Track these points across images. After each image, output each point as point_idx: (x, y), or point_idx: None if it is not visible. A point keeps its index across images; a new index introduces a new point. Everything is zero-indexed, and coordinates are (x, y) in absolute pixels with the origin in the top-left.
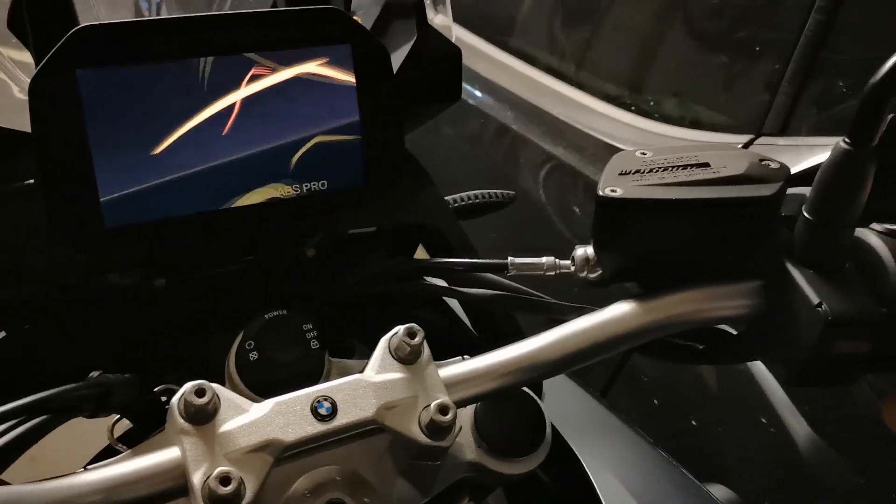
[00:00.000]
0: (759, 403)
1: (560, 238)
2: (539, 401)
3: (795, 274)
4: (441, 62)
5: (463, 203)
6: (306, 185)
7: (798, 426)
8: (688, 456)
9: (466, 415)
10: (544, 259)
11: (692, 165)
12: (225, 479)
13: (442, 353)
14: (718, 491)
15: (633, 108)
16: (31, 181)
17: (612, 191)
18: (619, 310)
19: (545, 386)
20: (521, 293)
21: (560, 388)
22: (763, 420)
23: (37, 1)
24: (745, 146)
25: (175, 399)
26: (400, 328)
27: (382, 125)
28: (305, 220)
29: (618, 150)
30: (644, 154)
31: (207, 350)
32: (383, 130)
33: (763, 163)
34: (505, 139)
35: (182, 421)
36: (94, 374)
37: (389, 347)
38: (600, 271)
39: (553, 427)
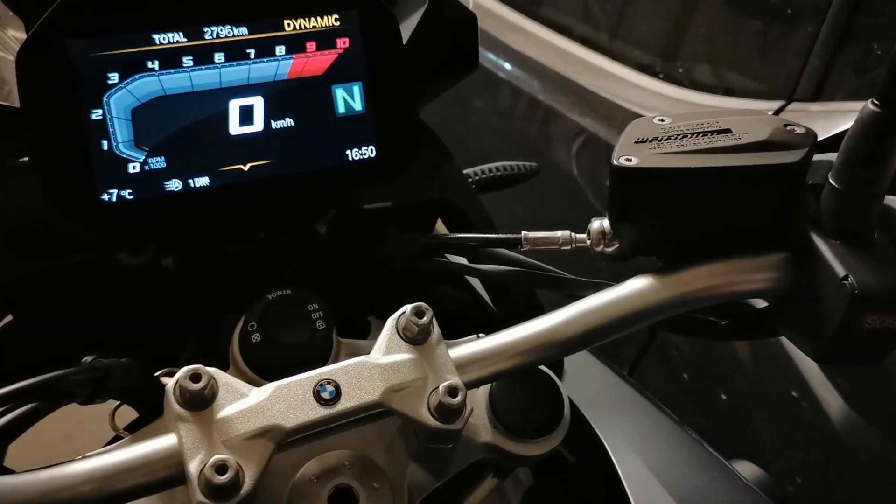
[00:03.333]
0: (791, 377)
1: (590, 211)
2: (557, 380)
3: (821, 245)
4: (456, 29)
5: (484, 176)
6: (315, 158)
7: (832, 400)
8: (717, 431)
9: (481, 395)
10: (559, 233)
11: (713, 132)
12: (221, 468)
13: (462, 331)
14: (745, 468)
15: (661, 75)
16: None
17: (628, 160)
18: (637, 285)
19: (567, 363)
20: (536, 269)
21: (583, 366)
22: (794, 394)
23: None
24: (776, 113)
25: (170, 384)
26: (407, 307)
27: (393, 95)
28: (315, 193)
29: None
30: (662, 121)
31: (215, 333)
32: (394, 101)
33: (788, 128)
34: (534, 111)
35: (178, 407)
36: (88, 358)
37: (397, 327)
38: (617, 245)
39: (574, 406)
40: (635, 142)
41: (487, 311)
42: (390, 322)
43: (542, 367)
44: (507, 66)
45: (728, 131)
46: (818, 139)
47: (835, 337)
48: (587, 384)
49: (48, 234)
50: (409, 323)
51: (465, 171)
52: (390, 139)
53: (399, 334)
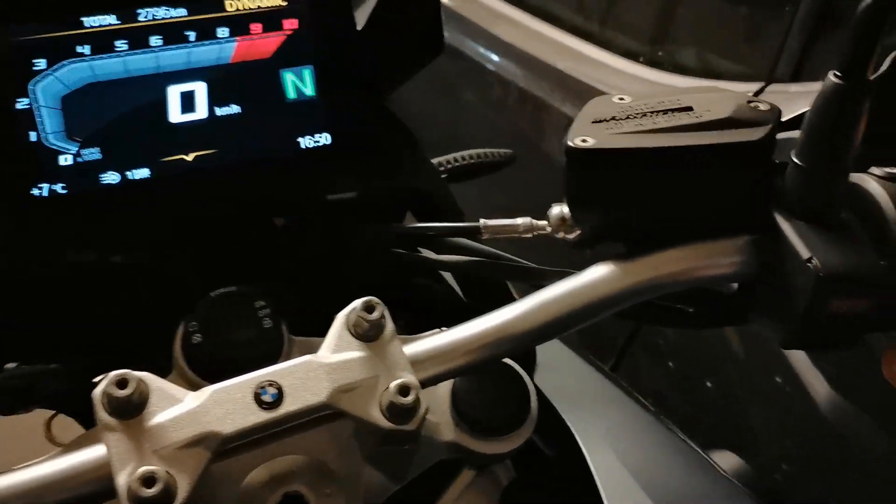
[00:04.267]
0: (777, 363)
1: None
2: (524, 374)
3: (785, 226)
4: (418, 12)
5: (456, 164)
6: (264, 146)
7: (819, 386)
8: (702, 419)
9: (444, 392)
10: (519, 220)
11: (673, 110)
12: (149, 480)
13: (433, 325)
14: (725, 458)
15: (640, 59)
16: None
17: (583, 140)
18: (599, 272)
19: (540, 355)
20: (496, 258)
21: (557, 357)
22: (779, 380)
23: None
24: (756, 94)
25: (96, 392)
26: (357, 302)
27: (347, 80)
28: (264, 183)
29: None
30: (622, 99)
31: (163, 335)
32: (349, 86)
33: (752, 105)
34: (511, 95)
35: (106, 415)
36: (11, 365)
37: (347, 324)
38: (579, 231)
39: (546, 399)
40: (592, 121)
41: (459, 304)
42: (339, 318)
43: (508, 361)
44: (489, 53)
45: (689, 109)
46: (788, 117)
47: (801, 322)
48: (561, 376)
49: None
50: (358, 319)
51: (436, 160)
52: (345, 126)
53: (349, 331)
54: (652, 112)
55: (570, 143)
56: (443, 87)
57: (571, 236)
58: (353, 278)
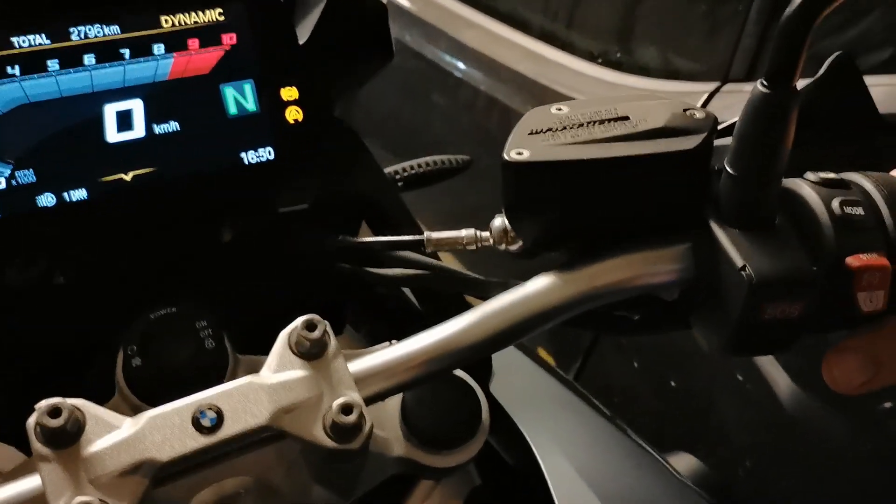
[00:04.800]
0: (740, 360)
1: None
2: (474, 384)
3: (720, 234)
4: (364, 19)
5: (412, 172)
6: (205, 162)
7: (781, 381)
8: (666, 418)
9: (394, 406)
10: (463, 232)
11: (610, 120)
12: None
13: (394, 334)
14: (682, 460)
15: (599, 60)
16: None
17: (519, 153)
18: (541, 283)
19: (495, 363)
20: (439, 271)
21: (512, 365)
22: (740, 378)
23: None
24: (711, 94)
25: (29, 421)
26: (298, 320)
27: (290, 93)
28: (206, 200)
29: None
30: (560, 110)
31: (104, 359)
32: (292, 99)
33: (688, 112)
34: (470, 98)
35: (40, 445)
36: None
37: (289, 342)
38: (521, 242)
39: (501, 408)
40: (529, 133)
41: (415, 315)
42: (282, 337)
43: (459, 372)
44: (450, 57)
45: (626, 118)
46: (726, 124)
47: (737, 328)
48: (517, 384)
49: None
50: (300, 337)
51: (390, 169)
52: (289, 139)
53: (291, 349)
54: (589, 122)
55: (505, 157)
56: (405, 91)
57: (514, 247)
58: (299, 292)
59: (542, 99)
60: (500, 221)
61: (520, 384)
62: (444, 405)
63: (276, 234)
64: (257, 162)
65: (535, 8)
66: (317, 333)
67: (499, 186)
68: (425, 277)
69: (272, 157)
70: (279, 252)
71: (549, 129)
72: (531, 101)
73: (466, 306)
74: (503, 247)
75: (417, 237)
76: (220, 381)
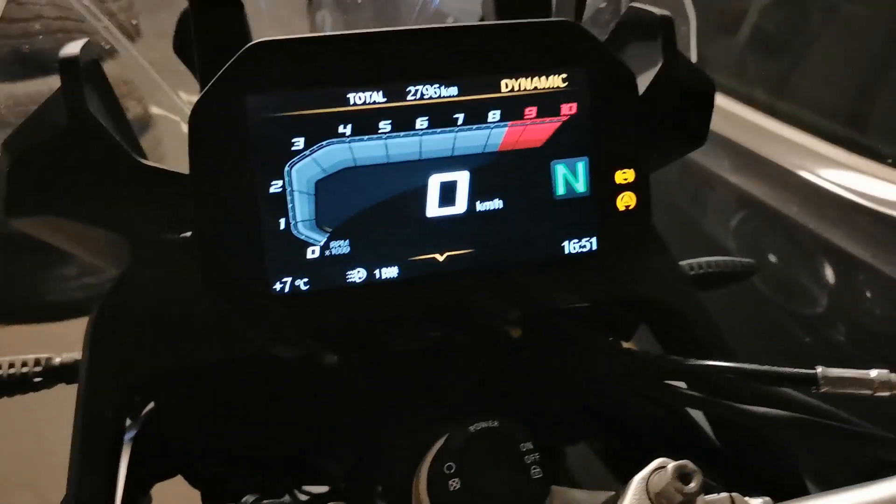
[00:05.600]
0: None
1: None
2: None
3: None
4: (690, 96)
5: (699, 272)
6: (524, 249)
7: None
8: None
9: None
10: (874, 373)
11: None
12: None
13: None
14: None
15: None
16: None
17: None
18: None
19: None
20: (829, 417)
21: None
22: None
23: (205, 19)
24: None
25: None
26: (666, 465)
27: (622, 175)
28: (519, 292)
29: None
30: None
31: (386, 455)
32: (624, 182)
33: None
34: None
35: None
36: (249, 499)
37: (648, 490)
38: None
39: None
40: None
41: (705, 444)
42: (638, 482)
43: None
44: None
45: None
46: None
47: None
48: None
49: (200, 324)
50: (668, 488)
51: None
52: (616, 229)
53: (650, 501)
54: None
55: None
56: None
57: None
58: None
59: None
60: None
61: None
62: None
63: (566, 332)
64: (578, 252)
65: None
66: (693, 486)
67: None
68: (813, 424)
69: (594, 248)
70: (586, 358)
71: None
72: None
73: (792, 456)
74: None
75: (807, 371)
76: None
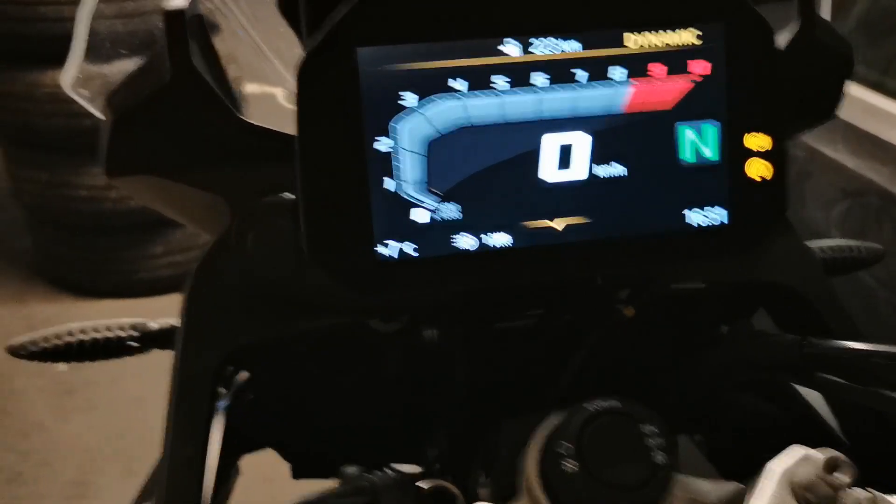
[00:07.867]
0: None
1: None
2: None
3: None
4: (827, 63)
5: (825, 256)
6: (646, 220)
7: None
8: None
9: None
10: None
11: None
12: None
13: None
14: None
15: None
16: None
17: None
18: None
19: None
20: None
21: None
22: None
23: None
24: None
25: None
26: (812, 454)
27: (757, 142)
28: (638, 267)
29: None
30: None
31: (487, 435)
32: (758, 150)
33: None
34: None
35: None
36: (351, 469)
37: (791, 481)
38: None
39: None
40: None
41: (827, 432)
42: (777, 471)
43: None
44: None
45: None
46: None
47: None
48: None
49: (301, 291)
50: (815, 481)
51: None
52: (745, 201)
53: (793, 493)
54: None
55: None
56: None
57: None
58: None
59: None
60: None
61: None
62: None
63: (681, 314)
64: (705, 225)
65: None
66: (847, 479)
67: None
68: None
69: (723, 220)
70: (729, 344)
71: None
72: None
73: None
74: None
75: None
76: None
